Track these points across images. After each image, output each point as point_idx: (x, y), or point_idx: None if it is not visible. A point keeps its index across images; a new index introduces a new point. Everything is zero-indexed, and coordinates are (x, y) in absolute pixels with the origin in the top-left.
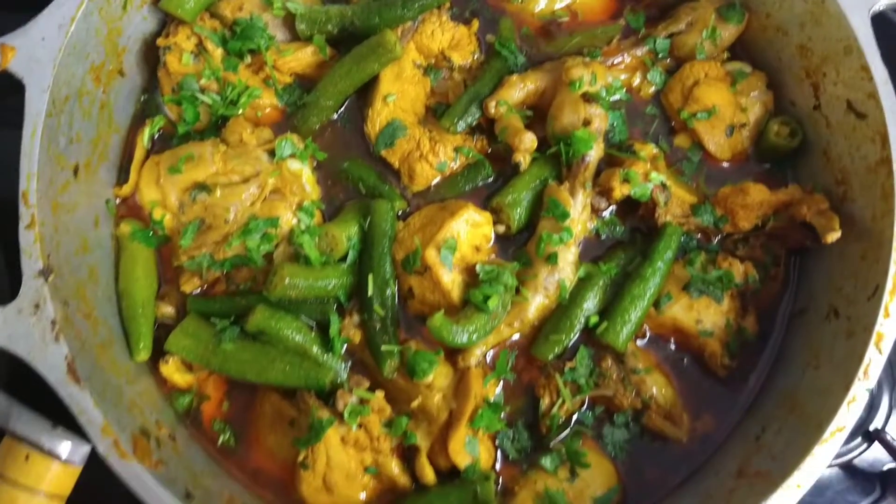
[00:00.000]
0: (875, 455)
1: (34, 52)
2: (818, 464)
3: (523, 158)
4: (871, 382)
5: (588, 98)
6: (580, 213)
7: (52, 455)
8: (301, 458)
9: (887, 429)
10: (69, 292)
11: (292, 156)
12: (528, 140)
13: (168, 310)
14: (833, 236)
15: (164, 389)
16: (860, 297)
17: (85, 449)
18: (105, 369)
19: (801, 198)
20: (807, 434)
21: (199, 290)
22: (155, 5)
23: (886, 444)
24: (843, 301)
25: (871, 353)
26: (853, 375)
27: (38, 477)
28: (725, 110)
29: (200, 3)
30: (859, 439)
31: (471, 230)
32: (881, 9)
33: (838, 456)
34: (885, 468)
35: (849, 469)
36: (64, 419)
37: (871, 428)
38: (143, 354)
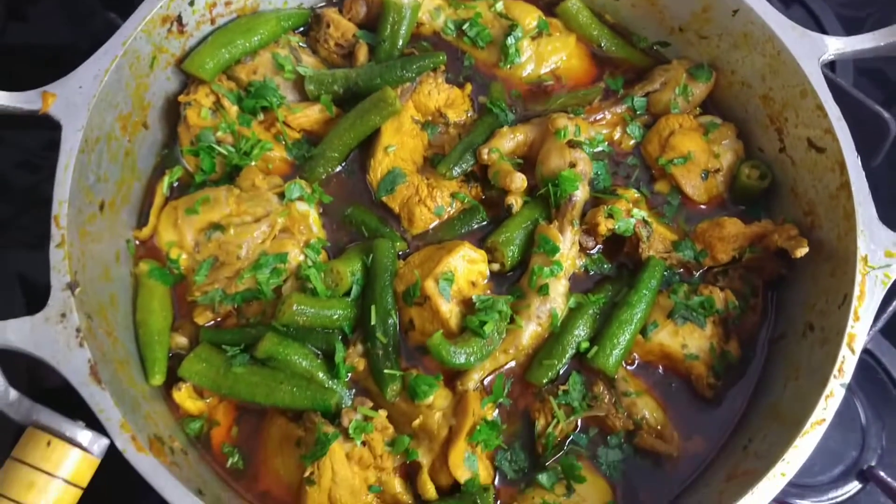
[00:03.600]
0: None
1: (72, 98)
2: (801, 454)
3: (515, 201)
4: (846, 379)
5: (573, 144)
6: (569, 249)
7: (73, 443)
8: (307, 473)
9: (881, 468)
10: (92, 308)
11: (300, 198)
12: (519, 179)
13: (182, 340)
14: (802, 251)
15: (177, 415)
16: (832, 308)
17: (104, 442)
18: (123, 381)
19: (773, 228)
20: (789, 431)
21: (211, 324)
22: (178, 66)
23: (880, 482)
24: (817, 316)
25: (844, 352)
26: (829, 374)
27: (57, 463)
28: (700, 156)
29: (219, 65)
30: (854, 482)
31: (467, 266)
32: (830, 58)
33: (832, 499)
34: None
35: None
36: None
37: (865, 467)
38: (158, 379)
